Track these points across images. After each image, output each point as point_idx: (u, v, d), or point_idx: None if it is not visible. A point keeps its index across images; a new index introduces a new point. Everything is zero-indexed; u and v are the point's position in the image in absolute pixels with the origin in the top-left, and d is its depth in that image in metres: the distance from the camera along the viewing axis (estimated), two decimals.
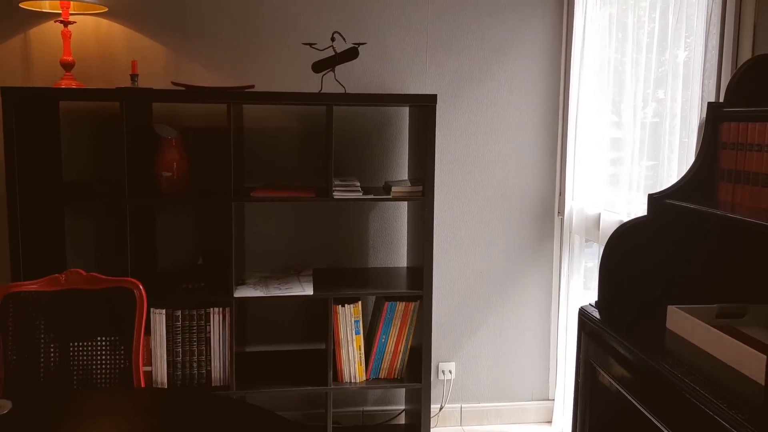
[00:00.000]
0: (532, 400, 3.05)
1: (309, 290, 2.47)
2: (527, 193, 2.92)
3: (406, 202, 2.81)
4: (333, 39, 2.41)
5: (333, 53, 2.41)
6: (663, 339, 1.49)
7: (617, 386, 1.52)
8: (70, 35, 2.42)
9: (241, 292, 2.45)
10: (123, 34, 2.60)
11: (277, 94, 2.35)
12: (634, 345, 1.46)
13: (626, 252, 1.66)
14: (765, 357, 1.17)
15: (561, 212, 2.87)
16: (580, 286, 2.73)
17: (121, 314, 1.90)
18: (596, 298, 1.72)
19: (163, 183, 2.37)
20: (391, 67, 2.77)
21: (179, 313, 2.43)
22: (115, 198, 2.31)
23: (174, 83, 2.41)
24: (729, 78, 1.67)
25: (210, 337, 2.46)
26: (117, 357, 1.90)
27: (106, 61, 2.60)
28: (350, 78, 2.69)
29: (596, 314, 1.67)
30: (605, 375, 1.59)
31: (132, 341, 1.90)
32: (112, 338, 1.90)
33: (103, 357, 1.89)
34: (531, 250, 2.95)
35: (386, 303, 2.52)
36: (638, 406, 1.41)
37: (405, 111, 2.81)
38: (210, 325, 2.44)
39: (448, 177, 2.87)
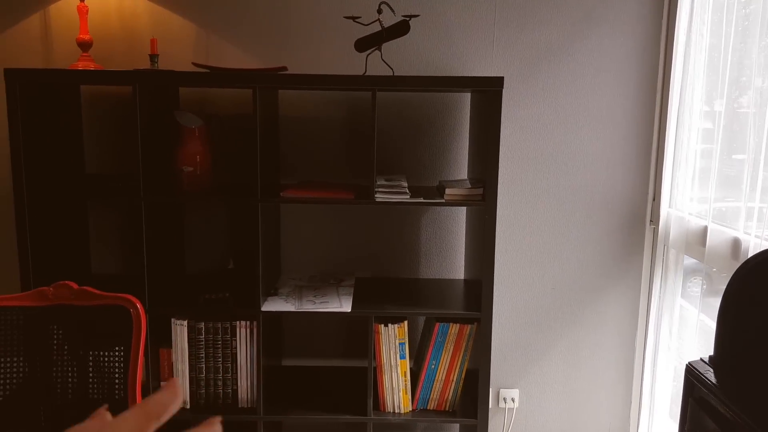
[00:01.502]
0: None
1: (347, 306, 2.12)
2: (613, 196, 2.44)
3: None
4: (380, 11, 2.03)
5: (380, 28, 2.03)
6: None
7: None
8: (87, 11, 2.15)
9: (269, 305, 2.13)
10: (147, 9, 2.31)
11: (312, 77, 1.98)
12: (756, 424, 1.02)
13: (757, 294, 1.20)
14: None
15: (654, 221, 2.37)
16: (675, 310, 2.24)
17: (115, 336, 1.61)
18: (712, 351, 1.27)
19: (184, 179, 2.08)
20: (449, 45, 2.35)
21: (202, 325, 2.15)
22: (128, 195, 2.03)
23: (195, 64, 2.09)
24: None
25: (236, 353, 2.17)
26: (109, 387, 1.61)
27: (129, 40, 2.33)
28: (400, 58, 2.31)
29: (711, 376, 1.22)
30: None
31: (128, 368, 1.60)
32: (106, 365, 1.62)
33: (94, 387, 1.61)
34: (615, 264, 2.47)
35: (437, 324, 2.14)
36: None
37: (466, 98, 2.39)
38: (236, 340, 2.15)
39: (516, 177, 2.43)
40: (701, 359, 1.28)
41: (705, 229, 1.94)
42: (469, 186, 2.09)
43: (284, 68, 2.09)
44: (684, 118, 2.13)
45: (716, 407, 1.16)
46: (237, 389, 2.19)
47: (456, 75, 2.35)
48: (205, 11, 2.32)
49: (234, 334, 2.16)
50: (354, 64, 2.28)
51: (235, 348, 2.16)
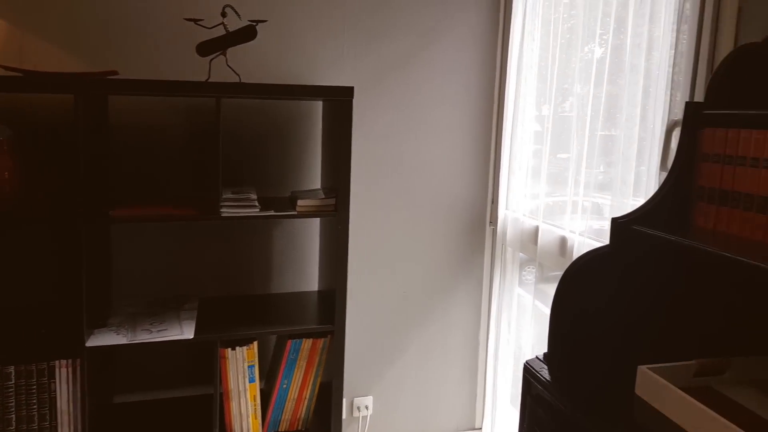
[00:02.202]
0: (458, 431, 2.71)
1: (189, 333, 1.97)
2: (458, 200, 2.54)
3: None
4: (224, 15, 1.93)
5: (224, 32, 1.94)
6: (631, 411, 1.15)
7: None
8: None
9: (96, 340, 1.90)
10: None
11: (145, 83, 1.83)
12: (590, 421, 1.11)
13: (584, 292, 1.30)
14: None
15: (493, 222, 2.52)
16: (513, 306, 2.39)
17: None
18: (546, 349, 1.36)
19: None
20: (300, 53, 2.31)
21: (11, 369, 1.85)
22: None
23: (4, 67, 1.85)
24: (705, 71, 1.34)
25: (56, 397, 1.89)
26: None
27: None
28: (248, 64, 2.22)
29: (545, 373, 1.30)
30: None
31: None
32: None
33: None
34: (460, 265, 2.59)
35: (289, 341, 2.08)
36: None
37: (318, 106, 2.37)
38: (55, 382, 1.88)
39: (368, 184, 2.45)
40: (537, 357, 1.36)
41: (537, 228, 2.09)
42: (323, 196, 2.06)
43: (114, 72, 1.92)
44: (518, 125, 2.28)
45: (551, 402, 1.24)
46: None
47: (306, 83, 2.31)
48: (17, 7, 2.06)
49: (52, 376, 1.89)
50: (198, 69, 2.15)
51: (54, 391, 1.89)
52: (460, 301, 2.62)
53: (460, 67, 2.46)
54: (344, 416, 2.55)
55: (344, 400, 2.52)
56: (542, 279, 2.20)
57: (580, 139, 1.87)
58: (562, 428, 1.21)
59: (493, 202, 2.54)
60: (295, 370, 2.10)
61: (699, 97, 1.39)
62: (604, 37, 1.78)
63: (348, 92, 1.94)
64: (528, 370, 1.33)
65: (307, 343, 2.09)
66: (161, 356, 2.33)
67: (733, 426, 0.97)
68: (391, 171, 2.46)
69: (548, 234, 2.02)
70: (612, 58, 1.73)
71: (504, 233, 2.37)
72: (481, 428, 2.69)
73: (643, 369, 1.20)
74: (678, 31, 1.38)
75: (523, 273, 2.43)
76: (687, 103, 1.24)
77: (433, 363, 2.64)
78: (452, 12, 2.42)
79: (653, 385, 1.17)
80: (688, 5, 1.35)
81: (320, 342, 2.10)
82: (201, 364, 2.35)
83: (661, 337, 1.33)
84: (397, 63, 2.41)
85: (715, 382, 1.23)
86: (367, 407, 2.59)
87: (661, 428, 1.08)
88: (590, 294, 1.30)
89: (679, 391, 1.11)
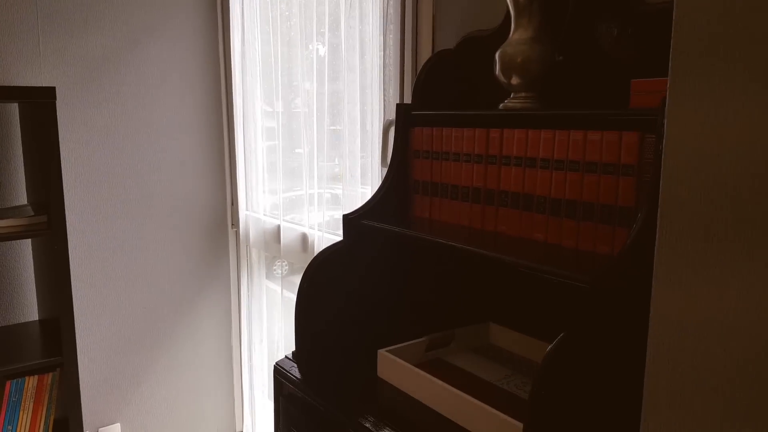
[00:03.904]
0: None
1: None
2: (195, 204, 2.44)
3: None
4: None
5: None
6: (374, 393, 1.23)
7: None
8: None
9: None
10: None
11: None
12: (337, 408, 1.17)
13: (325, 288, 1.35)
14: (520, 426, 0.97)
15: (235, 224, 2.48)
16: (263, 304, 2.40)
17: None
18: (294, 348, 1.38)
19: None
20: None
21: None
22: None
23: None
24: (410, 71, 1.48)
25: None
26: None
27: None
28: None
29: (296, 371, 1.33)
30: None
31: None
32: None
33: None
34: (204, 271, 2.50)
35: (8, 382, 1.80)
36: None
37: (13, 111, 2.05)
38: None
39: (88, 196, 2.21)
40: (286, 357, 1.38)
41: (278, 227, 2.11)
42: (31, 213, 1.81)
43: None
44: (249, 123, 2.26)
45: (303, 399, 1.27)
46: None
47: None
48: None
49: None
50: None
51: None
52: (209, 309, 2.53)
53: (182, 65, 2.35)
54: None
55: None
56: (292, 272, 2.24)
57: (310, 134, 1.93)
58: (316, 423, 1.25)
59: (233, 204, 2.49)
60: (20, 412, 1.83)
61: (407, 95, 1.54)
62: (325, 36, 1.85)
63: (49, 93, 1.73)
64: (278, 371, 1.35)
65: (31, 381, 1.83)
66: None
67: (453, 389, 1.10)
68: (114, 178, 2.26)
69: (290, 231, 2.05)
70: (332, 57, 1.81)
71: (247, 235, 2.35)
72: (242, 431, 2.66)
73: (381, 352, 1.29)
74: (385, 33, 1.50)
75: (273, 268, 2.45)
76: (398, 105, 1.35)
77: (184, 377, 2.52)
78: (167, 5, 2.29)
79: (391, 366, 1.27)
80: (391, 10, 1.48)
81: (48, 377, 1.85)
82: None
83: (399, 320, 1.45)
84: (108, 62, 2.20)
85: (444, 353, 1.39)
86: None
87: (402, 405, 1.18)
88: (331, 289, 1.35)
89: (410, 366, 1.22)
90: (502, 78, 1.19)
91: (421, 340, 1.35)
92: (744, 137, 0.56)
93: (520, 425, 0.96)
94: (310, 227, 1.97)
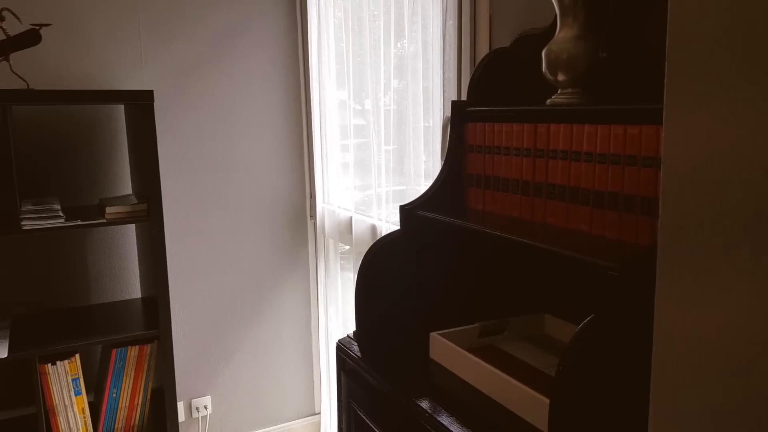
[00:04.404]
0: (299, 418, 2.82)
1: (2, 351, 1.88)
2: (277, 197, 2.62)
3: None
4: (2, 18, 1.82)
5: (4, 37, 1.83)
6: (426, 373, 1.32)
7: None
8: None
9: None
10: None
11: None
12: (393, 385, 1.26)
13: (383, 273, 1.45)
14: (547, 402, 1.03)
15: (313, 216, 2.64)
16: (339, 291, 2.54)
17: None
18: (355, 328, 1.50)
19: None
20: (94, 57, 2.23)
21: None
22: None
23: None
24: (468, 71, 1.55)
25: None
26: None
27: None
28: (38, 69, 2.11)
29: (356, 349, 1.44)
30: (367, 419, 1.37)
31: None
32: None
33: None
34: (286, 259, 2.68)
35: (114, 350, 2.04)
36: None
37: (121, 110, 2.31)
38: None
39: (184, 187, 2.44)
40: (348, 336, 1.49)
41: (351, 219, 2.24)
42: (134, 202, 2.04)
43: None
44: (326, 123, 2.40)
45: (362, 375, 1.38)
46: None
47: (104, 87, 2.24)
48: None
49: None
50: None
51: None
52: (289, 294, 2.71)
53: (265, 67, 2.53)
54: (183, 419, 2.54)
55: (182, 402, 2.52)
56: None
57: (379, 132, 2.02)
58: (372, 397, 1.36)
59: (311, 197, 2.65)
60: (124, 378, 2.07)
61: (464, 93, 1.60)
62: (413, 35, 1.89)
63: (148, 96, 1.94)
64: (340, 348, 1.46)
65: (133, 351, 2.06)
66: None
67: (505, 375, 1.16)
68: (206, 171, 2.47)
69: (361, 223, 2.17)
70: (413, 56, 1.85)
71: (323, 225, 2.50)
72: (320, 413, 2.82)
73: (433, 335, 1.37)
74: (444, 35, 1.58)
75: (345, 255, 2.58)
76: (453, 102, 1.43)
77: (268, 356, 2.71)
78: (251, 12, 2.47)
79: (442, 348, 1.35)
80: (450, 16, 1.55)
81: (147, 348, 2.08)
82: (17, 385, 2.22)
83: (451, 306, 1.53)
84: (200, 64, 2.41)
85: (497, 341, 1.45)
86: (206, 407, 2.60)
87: (452, 385, 1.25)
88: (388, 274, 1.45)
89: (462, 351, 1.29)
90: (548, 75, 1.23)
91: (473, 326, 1.41)
92: (744, 137, 0.56)
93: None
94: (379, 219, 2.08)
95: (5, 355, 1.86)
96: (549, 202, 1.26)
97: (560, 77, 1.22)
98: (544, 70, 1.24)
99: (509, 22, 1.50)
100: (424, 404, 1.18)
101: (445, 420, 1.12)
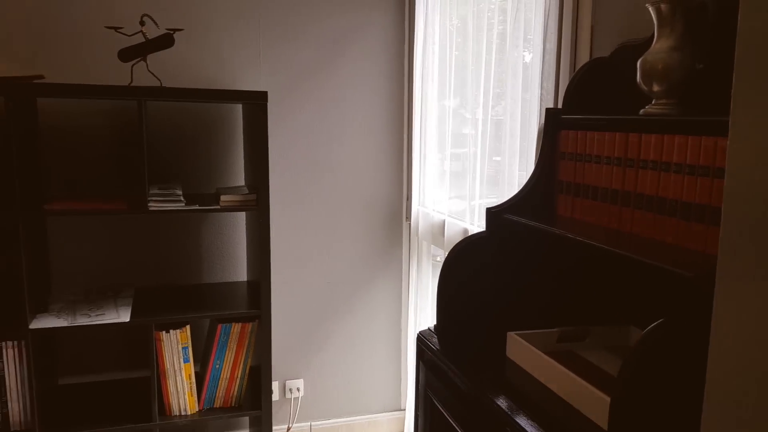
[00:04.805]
0: (384, 412, 2.91)
1: (125, 316, 2.12)
2: (375, 197, 2.74)
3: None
4: (142, 23, 2.06)
5: (143, 40, 2.07)
6: (502, 371, 1.36)
7: (453, 423, 1.36)
8: None
9: (39, 323, 2.05)
10: None
11: (71, 87, 1.95)
12: (469, 379, 1.31)
13: (466, 271, 1.51)
14: (608, 399, 1.05)
15: (408, 217, 2.73)
16: (429, 292, 2.61)
17: None
18: (435, 322, 1.56)
19: None
20: (217, 59, 2.46)
21: None
22: None
23: None
24: (567, 80, 1.57)
25: (4, 376, 2.07)
26: None
27: None
28: (170, 69, 2.35)
29: (435, 341, 1.51)
30: (442, 409, 1.43)
31: None
32: None
33: None
34: (380, 257, 2.79)
35: (219, 325, 2.23)
36: None
37: (239, 109, 2.52)
38: (2, 362, 2.07)
39: (288, 182, 2.62)
40: (429, 329, 1.56)
41: (444, 222, 2.30)
42: (246, 192, 2.22)
43: (40, 76, 2.02)
44: (426, 129, 2.48)
45: (440, 366, 1.44)
46: (8, 413, 2.10)
47: (225, 87, 2.45)
48: None
49: (0, 357, 2.06)
50: (123, 74, 2.27)
51: (2, 370, 2.08)
52: (381, 291, 2.81)
53: (371, 73, 2.65)
54: (277, 397, 2.71)
55: (276, 382, 2.69)
56: None
57: (511, 141, 1.93)
58: (448, 388, 1.42)
59: (408, 199, 2.75)
60: (227, 352, 2.25)
61: (561, 101, 1.62)
62: (515, 46, 1.90)
63: (262, 96, 2.11)
64: (420, 340, 1.53)
65: (236, 327, 2.24)
66: (101, 341, 2.46)
67: (581, 380, 1.17)
68: (312, 168, 2.64)
69: (453, 227, 2.23)
70: (514, 67, 1.87)
71: (417, 227, 2.58)
72: (404, 409, 2.90)
73: (511, 334, 1.41)
74: (544, 47, 1.61)
75: (437, 258, 2.64)
76: (547, 109, 1.46)
77: (358, 349, 2.83)
78: (362, 20, 2.61)
79: (520, 349, 1.38)
80: (551, 25, 1.58)
81: (248, 326, 2.25)
82: (136, 349, 2.48)
83: (531, 309, 1.55)
84: (312, 67, 2.57)
85: (577, 347, 1.46)
86: (298, 389, 2.76)
87: (526, 385, 1.28)
88: (470, 272, 1.51)
89: (539, 352, 1.32)
90: (643, 85, 1.24)
91: (552, 330, 1.43)
92: None
93: None
94: (471, 223, 2.13)
95: (127, 320, 2.09)
96: (636, 212, 1.26)
97: (655, 87, 1.22)
98: (638, 80, 1.25)
99: (611, 32, 1.51)
100: (502, 403, 1.21)
101: (521, 420, 1.14)
